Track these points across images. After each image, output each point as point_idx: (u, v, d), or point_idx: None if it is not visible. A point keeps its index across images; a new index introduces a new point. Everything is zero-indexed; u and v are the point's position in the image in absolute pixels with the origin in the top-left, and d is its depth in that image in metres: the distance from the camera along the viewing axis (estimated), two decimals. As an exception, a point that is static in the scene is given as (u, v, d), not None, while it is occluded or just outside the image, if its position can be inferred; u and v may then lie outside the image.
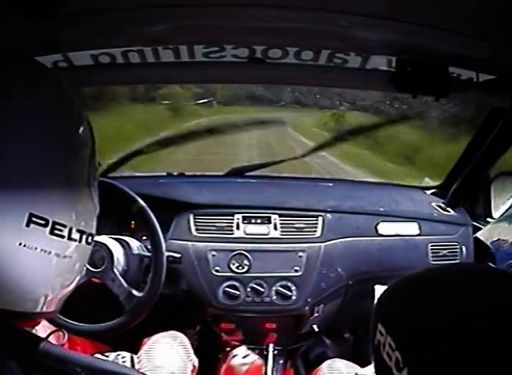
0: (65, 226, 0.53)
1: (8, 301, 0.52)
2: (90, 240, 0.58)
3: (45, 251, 0.52)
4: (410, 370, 0.43)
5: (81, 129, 0.57)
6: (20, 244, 0.50)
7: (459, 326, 0.42)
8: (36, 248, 0.51)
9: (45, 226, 0.51)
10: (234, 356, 1.13)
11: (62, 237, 0.53)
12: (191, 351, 1.30)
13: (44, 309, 0.55)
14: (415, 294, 0.48)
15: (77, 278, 0.59)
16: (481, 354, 0.40)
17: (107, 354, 0.97)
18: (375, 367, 0.49)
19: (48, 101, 0.55)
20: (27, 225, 0.50)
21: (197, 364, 1.30)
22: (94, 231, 0.59)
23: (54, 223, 0.52)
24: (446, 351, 0.41)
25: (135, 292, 1.19)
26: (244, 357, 1.15)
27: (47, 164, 0.53)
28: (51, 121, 0.54)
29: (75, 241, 0.55)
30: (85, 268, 0.61)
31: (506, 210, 1.40)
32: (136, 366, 1.21)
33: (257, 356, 1.14)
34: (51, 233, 0.52)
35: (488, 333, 0.41)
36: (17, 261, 0.50)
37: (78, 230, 0.55)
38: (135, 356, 1.04)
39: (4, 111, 0.50)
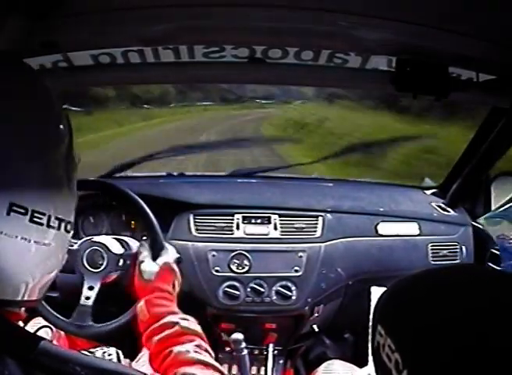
0: (44, 214, 0.55)
1: None
2: (69, 227, 0.60)
3: (25, 239, 0.54)
4: (410, 372, 0.43)
5: (60, 124, 0.59)
6: (1, 232, 0.52)
7: (458, 327, 0.42)
8: (16, 236, 0.53)
9: (25, 214, 0.53)
10: (142, 262, 1.05)
11: (41, 224, 0.55)
12: None
13: (26, 297, 0.56)
14: (414, 296, 0.48)
15: (58, 266, 0.60)
16: (481, 354, 0.40)
17: (92, 350, 0.97)
18: (375, 368, 0.49)
19: (27, 99, 0.57)
20: (8, 214, 0.52)
21: None
22: (72, 219, 0.61)
23: (33, 211, 0.54)
24: (446, 352, 0.41)
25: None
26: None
27: (26, 155, 0.55)
28: (30, 116, 0.56)
29: (53, 228, 0.57)
30: (66, 256, 0.63)
31: (506, 204, 1.39)
32: (135, 365, 1.20)
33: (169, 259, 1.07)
34: (31, 220, 0.54)
35: (487, 333, 0.40)
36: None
37: (56, 218, 0.57)
38: (121, 353, 1.03)
39: None
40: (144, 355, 1.25)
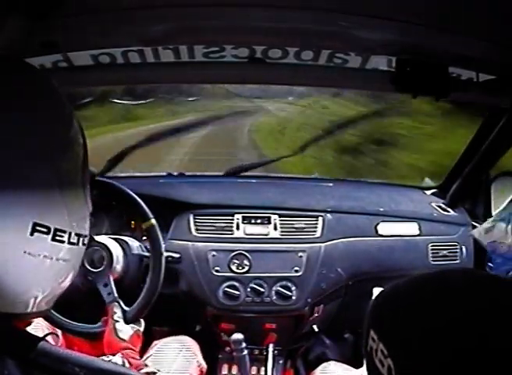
0: (65, 231, 0.55)
1: (7, 304, 0.53)
2: (86, 241, 0.60)
3: (47, 257, 0.54)
4: None
5: (73, 131, 0.58)
6: (25, 252, 0.52)
7: (451, 333, 0.42)
8: (39, 255, 0.53)
9: (47, 233, 0.53)
10: (117, 321, 1.12)
11: (63, 242, 0.55)
12: (200, 356, 1.31)
13: (36, 309, 0.56)
14: (406, 301, 0.47)
15: (72, 277, 0.61)
16: (474, 361, 0.40)
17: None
18: (368, 373, 0.49)
19: (44, 109, 0.55)
20: (31, 234, 0.52)
21: (205, 369, 1.30)
22: (88, 232, 0.61)
23: (55, 230, 0.54)
24: (439, 359, 0.41)
25: (123, 305, 1.15)
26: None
27: (46, 173, 0.54)
28: (47, 129, 0.55)
29: (73, 244, 0.57)
30: (79, 267, 0.63)
31: (503, 209, 1.39)
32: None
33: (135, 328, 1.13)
34: (53, 239, 0.54)
35: (480, 339, 0.40)
36: (21, 268, 0.52)
37: (76, 234, 0.57)
38: (126, 361, 1.04)
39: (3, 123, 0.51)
40: (149, 357, 1.26)
